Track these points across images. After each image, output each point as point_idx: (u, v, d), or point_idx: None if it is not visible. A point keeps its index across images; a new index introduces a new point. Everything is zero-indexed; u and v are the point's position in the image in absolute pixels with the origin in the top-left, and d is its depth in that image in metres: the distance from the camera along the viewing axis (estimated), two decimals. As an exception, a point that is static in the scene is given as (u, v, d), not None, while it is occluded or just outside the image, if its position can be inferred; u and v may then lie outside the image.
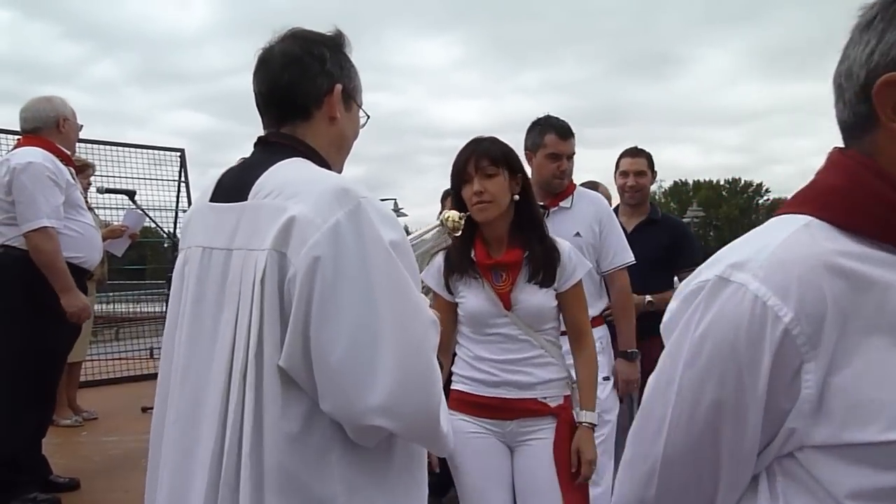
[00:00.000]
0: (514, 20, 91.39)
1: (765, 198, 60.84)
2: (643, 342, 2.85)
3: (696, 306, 0.79)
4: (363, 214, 1.11)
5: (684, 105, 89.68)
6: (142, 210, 4.79)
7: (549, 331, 2.09)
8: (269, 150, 1.27)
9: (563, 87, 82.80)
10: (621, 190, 3.35)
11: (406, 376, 1.09)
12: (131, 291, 9.65)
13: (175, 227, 6.55)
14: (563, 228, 2.67)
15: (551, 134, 2.79)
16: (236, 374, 1.13)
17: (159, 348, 6.67)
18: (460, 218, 1.85)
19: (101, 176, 5.93)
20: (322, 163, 1.26)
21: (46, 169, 3.07)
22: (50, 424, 3.52)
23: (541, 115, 2.87)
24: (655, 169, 3.42)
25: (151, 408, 4.56)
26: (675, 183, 61.00)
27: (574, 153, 2.85)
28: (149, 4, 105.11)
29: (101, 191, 4.88)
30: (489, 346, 2.07)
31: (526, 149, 2.84)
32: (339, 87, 1.30)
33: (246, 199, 1.19)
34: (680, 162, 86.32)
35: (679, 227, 3.47)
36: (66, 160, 3.27)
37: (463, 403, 2.10)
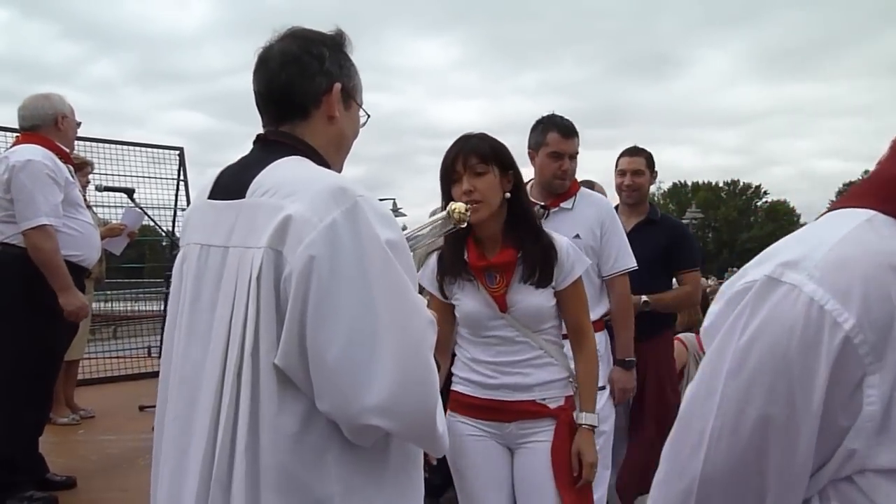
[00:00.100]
0: (512, 21, 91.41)
1: (763, 199, 60.96)
2: (640, 344, 2.83)
3: (741, 309, 0.70)
4: (360, 213, 1.11)
5: (683, 106, 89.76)
6: (140, 209, 4.79)
7: (548, 330, 2.05)
8: (267, 149, 1.28)
9: (561, 87, 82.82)
10: (619, 189, 3.32)
11: (404, 376, 1.09)
12: (129, 290, 9.64)
13: (174, 226, 6.55)
14: (563, 230, 2.59)
15: (554, 132, 2.75)
16: (230, 371, 1.13)
17: (157, 347, 6.67)
18: (467, 209, 1.78)
19: (100, 174, 5.93)
20: (321, 162, 1.26)
21: (45, 167, 3.07)
22: (47, 423, 3.52)
23: (545, 114, 2.83)
24: (656, 169, 3.38)
25: (149, 406, 4.56)
26: (674, 184, 61.10)
27: (577, 153, 2.79)
28: (147, 4, 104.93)
29: (99, 189, 4.88)
30: (486, 349, 2.04)
31: (529, 147, 2.81)
32: (337, 86, 1.30)
33: (244, 196, 1.19)
34: (679, 163, 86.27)
35: (678, 228, 3.44)
36: (65, 158, 3.26)
37: (462, 405, 2.09)
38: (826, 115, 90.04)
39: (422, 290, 2.07)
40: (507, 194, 2.00)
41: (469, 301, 2.04)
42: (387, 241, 1.12)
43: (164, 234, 5.51)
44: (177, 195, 6.91)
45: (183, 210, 6.66)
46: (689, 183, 62.13)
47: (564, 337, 2.11)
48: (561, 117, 2.80)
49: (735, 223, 58.26)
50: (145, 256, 13.30)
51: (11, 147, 3.33)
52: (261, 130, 1.34)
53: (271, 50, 1.31)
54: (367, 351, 1.08)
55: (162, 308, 7.21)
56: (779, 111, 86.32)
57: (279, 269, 1.10)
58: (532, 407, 2.01)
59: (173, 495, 1.20)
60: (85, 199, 3.80)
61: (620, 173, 3.32)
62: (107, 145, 6.44)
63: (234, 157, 1.34)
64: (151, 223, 5.10)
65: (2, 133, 5.51)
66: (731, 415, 0.70)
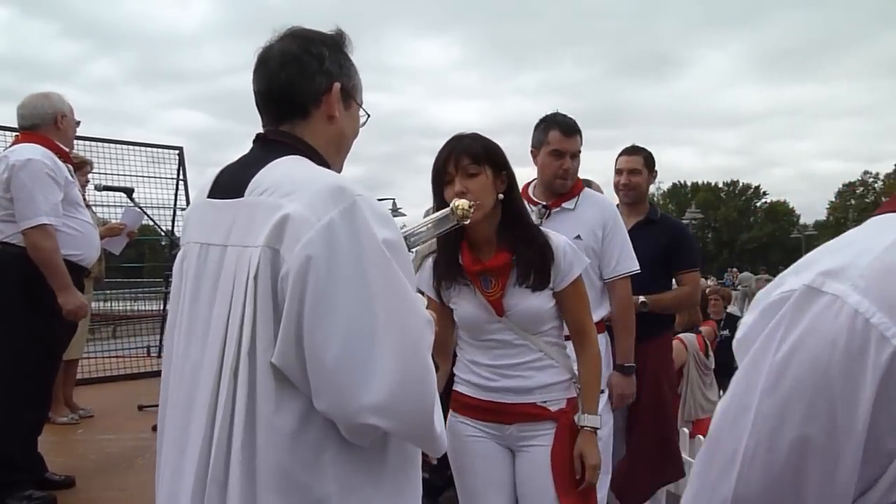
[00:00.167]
0: (512, 21, 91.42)
1: (762, 200, 60.96)
2: (638, 344, 2.79)
3: (778, 321, 0.65)
4: (358, 213, 1.11)
5: (683, 107, 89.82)
6: (140, 208, 4.79)
7: (548, 332, 2.01)
8: (267, 148, 1.28)
9: (561, 88, 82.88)
10: (616, 188, 3.29)
11: (403, 375, 1.09)
12: (129, 289, 9.63)
13: (173, 226, 6.55)
14: (564, 230, 2.54)
15: (555, 130, 2.71)
16: (227, 370, 1.13)
17: (156, 346, 6.65)
18: (470, 206, 1.75)
19: (100, 173, 5.92)
20: (321, 161, 1.26)
21: (45, 166, 3.06)
22: (46, 422, 3.51)
23: (548, 112, 2.79)
24: (656, 168, 3.35)
25: (148, 406, 4.55)
26: (674, 185, 61.11)
27: (579, 151, 2.75)
28: (148, 3, 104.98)
29: (99, 188, 4.88)
30: (486, 352, 2.02)
31: (532, 146, 2.78)
32: (337, 85, 1.30)
33: (242, 195, 1.19)
34: (678, 164, 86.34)
35: (677, 228, 3.41)
36: (65, 157, 3.26)
37: (463, 406, 2.08)
38: (826, 116, 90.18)
39: (421, 291, 2.06)
40: (501, 195, 1.95)
41: (466, 306, 2.02)
42: (384, 241, 1.12)
43: (163, 233, 5.50)
44: (176, 195, 6.91)
45: (182, 210, 6.66)
46: (689, 183, 62.21)
47: (568, 338, 2.08)
48: (563, 115, 2.76)
49: (735, 224, 58.28)
50: (145, 256, 13.30)
51: (11, 146, 3.32)
52: (261, 130, 1.34)
53: (271, 50, 1.31)
54: (364, 350, 1.08)
55: (161, 307, 7.22)
56: (778, 112, 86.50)
57: (276, 268, 1.10)
58: (532, 410, 1.99)
59: (172, 495, 1.20)
60: (84, 199, 3.80)
61: (618, 172, 3.30)
62: (106, 145, 6.43)
63: (234, 156, 1.34)
64: (151, 223, 5.09)
65: (1, 132, 5.51)
66: (766, 434, 0.65)
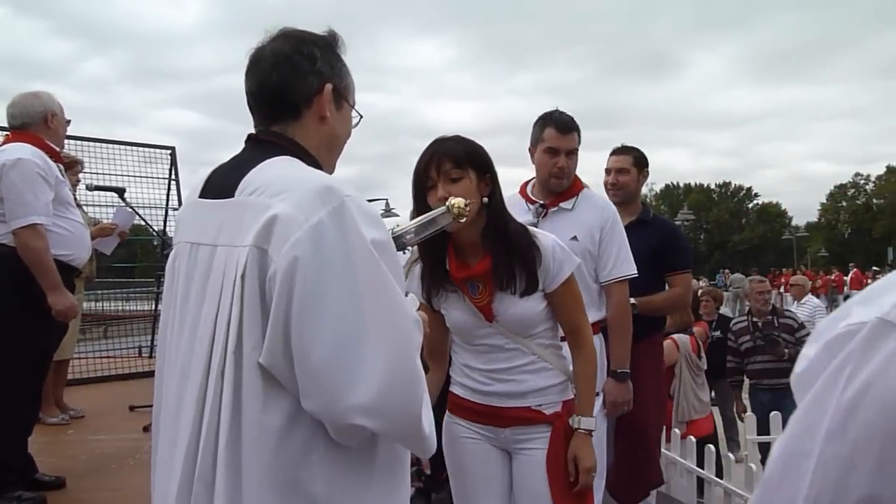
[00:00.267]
0: (507, 22, 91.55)
1: (754, 202, 61.23)
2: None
3: (845, 358, 0.58)
4: (346, 213, 1.11)
5: (676, 109, 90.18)
6: (131, 208, 4.76)
7: (541, 334, 1.98)
8: (258, 148, 1.28)
9: (556, 89, 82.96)
10: (605, 188, 3.28)
11: (391, 376, 1.09)
12: (120, 290, 9.59)
13: (165, 226, 6.52)
14: (560, 230, 2.53)
15: (550, 128, 2.67)
16: (214, 369, 1.13)
17: (148, 346, 6.61)
18: (466, 204, 1.72)
19: (91, 173, 5.89)
20: (312, 162, 1.26)
21: (36, 165, 3.04)
22: (36, 423, 3.49)
23: (547, 110, 2.74)
24: (647, 168, 3.33)
25: (140, 406, 4.52)
26: (667, 186, 61.31)
27: (575, 149, 2.70)
28: (141, 2, 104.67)
29: (90, 188, 4.85)
30: (478, 356, 2.00)
31: (530, 144, 2.76)
32: (329, 86, 1.30)
33: (233, 195, 1.19)
34: (671, 165, 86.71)
35: (669, 229, 3.39)
36: (55, 156, 3.24)
37: (458, 407, 2.07)
38: (818, 118, 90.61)
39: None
40: (486, 199, 1.89)
41: (455, 312, 1.99)
42: (372, 241, 1.12)
43: (155, 233, 5.48)
44: (168, 195, 6.88)
45: (175, 210, 6.63)
46: (682, 185, 62.42)
47: (564, 339, 2.06)
48: (561, 113, 2.72)
49: (727, 225, 58.52)
50: (137, 256, 13.22)
51: (1, 146, 3.30)
52: (253, 130, 1.34)
53: (263, 50, 1.31)
54: (352, 350, 1.08)
55: (153, 308, 7.19)
56: (771, 114, 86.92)
57: (264, 268, 1.11)
58: (527, 413, 1.97)
59: (162, 495, 1.20)
60: (75, 198, 3.78)
61: (606, 172, 3.30)
62: (98, 144, 6.40)
63: (227, 155, 1.35)
64: (143, 223, 5.07)
65: (-8, 131, 5.47)
66: (830, 485, 0.57)
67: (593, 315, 2.57)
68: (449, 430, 2.09)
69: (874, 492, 0.55)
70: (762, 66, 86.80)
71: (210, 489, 1.11)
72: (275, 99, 1.29)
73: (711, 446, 4.13)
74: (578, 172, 2.78)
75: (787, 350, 5.21)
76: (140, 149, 6.78)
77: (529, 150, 2.76)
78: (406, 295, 1.21)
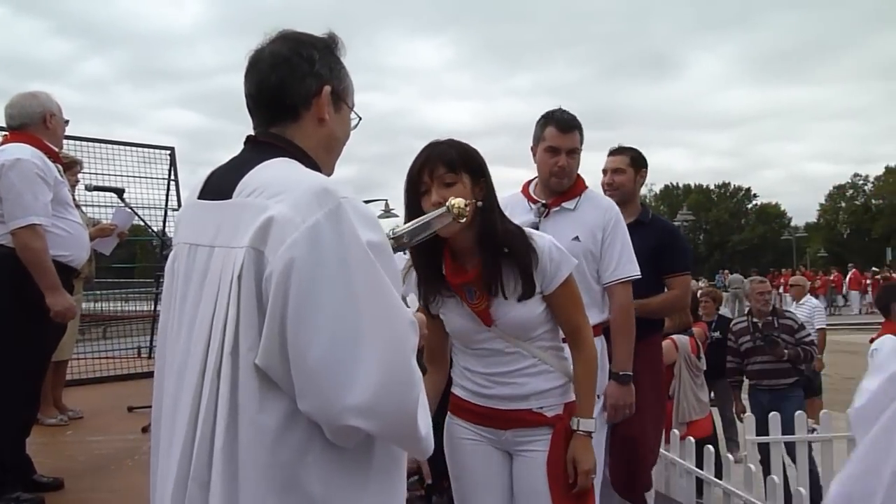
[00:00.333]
0: (506, 22, 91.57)
1: (753, 202, 61.29)
2: None
3: None
4: (343, 215, 1.11)
5: (676, 109, 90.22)
6: (130, 208, 4.76)
7: (541, 337, 1.97)
8: (256, 150, 1.29)
9: (555, 89, 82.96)
10: (602, 188, 3.26)
11: (387, 377, 1.09)
12: (120, 290, 9.58)
13: (164, 226, 6.52)
14: (561, 231, 2.53)
15: (551, 126, 2.64)
16: (210, 370, 1.14)
17: (147, 347, 6.59)
18: (466, 204, 1.70)
19: (90, 173, 5.89)
20: (310, 163, 1.27)
21: (35, 166, 3.04)
22: (35, 423, 3.49)
23: (550, 109, 2.70)
24: (645, 168, 3.31)
25: (138, 407, 4.51)
26: (666, 186, 61.39)
27: (576, 149, 2.66)
28: (141, 2, 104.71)
29: (89, 188, 4.85)
30: (478, 360, 1.99)
31: (532, 143, 2.73)
32: (327, 88, 1.31)
33: (231, 197, 1.20)
34: (671, 165, 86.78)
35: (668, 230, 3.36)
36: (54, 157, 3.23)
37: (460, 409, 2.07)
38: (817, 119, 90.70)
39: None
40: (480, 203, 1.86)
41: (453, 317, 1.98)
42: (368, 243, 1.12)
43: (154, 234, 5.47)
44: (167, 195, 6.88)
45: (174, 210, 6.63)
46: (681, 185, 62.49)
47: (565, 340, 2.04)
48: (562, 111, 2.69)
49: (726, 225, 58.58)
50: (136, 256, 13.22)
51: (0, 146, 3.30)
52: (253, 131, 1.34)
53: (262, 52, 1.32)
54: (348, 351, 1.08)
55: (152, 308, 7.18)
56: (770, 114, 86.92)
57: (260, 269, 1.11)
58: (528, 416, 1.96)
59: (161, 496, 1.21)
60: (74, 199, 3.77)
61: (603, 172, 3.29)
62: (97, 144, 6.39)
63: (227, 155, 1.35)
64: (142, 223, 5.06)
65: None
66: None
67: (595, 317, 2.55)
68: (450, 431, 2.09)
69: None
70: (761, 66, 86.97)
71: (205, 489, 1.11)
72: (273, 101, 1.29)
73: (710, 447, 4.13)
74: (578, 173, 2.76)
75: (786, 351, 5.21)
76: (139, 149, 6.78)
77: (532, 148, 2.74)
78: (405, 297, 1.21)
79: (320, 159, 1.31)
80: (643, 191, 3.59)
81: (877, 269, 26.62)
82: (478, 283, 1.91)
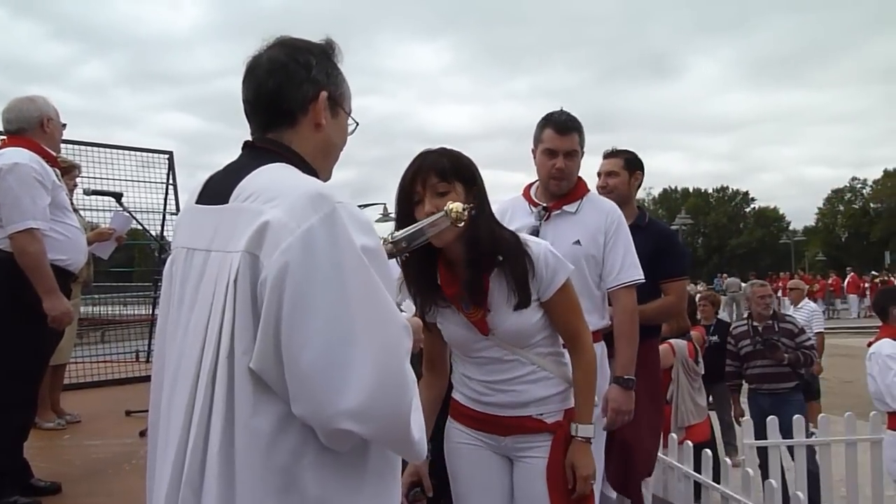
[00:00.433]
0: (504, 26, 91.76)
1: (751, 206, 61.36)
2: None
3: None
4: (337, 219, 1.12)
5: (674, 113, 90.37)
6: (129, 212, 4.76)
7: (539, 343, 1.95)
8: (253, 155, 1.30)
9: (553, 93, 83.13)
10: (597, 192, 3.22)
11: (380, 381, 1.10)
12: (118, 294, 9.57)
13: (163, 230, 6.51)
14: (562, 234, 2.52)
15: (549, 128, 2.60)
16: (204, 374, 1.14)
17: (146, 351, 6.57)
18: (464, 209, 1.69)
19: (88, 178, 5.88)
20: (308, 169, 1.28)
21: (33, 170, 3.04)
22: (32, 427, 3.48)
23: (551, 110, 2.66)
24: (640, 171, 3.29)
25: (136, 411, 4.49)
26: (665, 190, 61.47)
27: (574, 151, 2.62)
28: (139, 5, 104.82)
29: (87, 192, 4.84)
30: (478, 367, 1.98)
31: (532, 146, 2.71)
32: (324, 93, 1.32)
33: (227, 201, 1.21)
34: (669, 169, 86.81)
35: (664, 234, 3.33)
36: (52, 161, 3.24)
37: (460, 414, 2.07)
38: (815, 122, 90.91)
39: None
40: (474, 212, 1.81)
41: (450, 326, 1.96)
42: (363, 248, 1.13)
43: (152, 238, 5.47)
44: (166, 199, 6.87)
45: (172, 214, 6.63)
46: (679, 189, 62.57)
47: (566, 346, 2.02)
48: (561, 113, 2.65)
49: (724, 229, 58.64)
50: (134, 260, 13.21)
51: (-3, 150, 3.29)
52: (250, 136, 1.35)
53: (259, 58, 1.33)
54: (341, 355, 1.08)
55: (151, 312, 7.16)
56: (768, 118, 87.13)
57: (256, 274, 1.12)
58: (528, 422, 1.95)
59: (155, 499, 1.21)
60: (72, 203, 3.77)
61: (597, 175, 3.28)
62: (95, 149, 6.39)
63: (225, 159, 1.37)
64: (140, 227, 5.06)
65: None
66: None
67: (596, 322, 2.52)
68: (450, 435, 2.09)
69: None
70: (759, 69, 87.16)
71: (197, 494, 1.12)
72: (270, 106, 1.30)
73: (708, 450, 4.13)
74: None
75: (787, 355, 5.21)
76: (137, 153, 6.77)
77: (532, 151, 2.72)
78: (399, 304, 1.21)
79: (317, 164, 1.32)
80: (641, 194, 3.59)
81: (875, 273, 26.66)
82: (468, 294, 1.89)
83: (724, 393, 6.02)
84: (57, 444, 4.30)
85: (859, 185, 57.14)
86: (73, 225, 3.30)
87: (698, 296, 6.97)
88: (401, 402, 1.13)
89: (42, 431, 4.35)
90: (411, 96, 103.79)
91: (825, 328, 7.59)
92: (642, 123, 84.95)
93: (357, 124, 1.43)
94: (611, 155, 3.31)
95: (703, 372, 5.20)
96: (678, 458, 4.29)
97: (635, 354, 2.59)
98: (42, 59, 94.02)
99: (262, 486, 1.11)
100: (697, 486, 4.13)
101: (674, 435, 4.55)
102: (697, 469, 4.09)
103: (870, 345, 4.05)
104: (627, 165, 3.25)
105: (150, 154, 6.93)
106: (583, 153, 2.70)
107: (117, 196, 4.61)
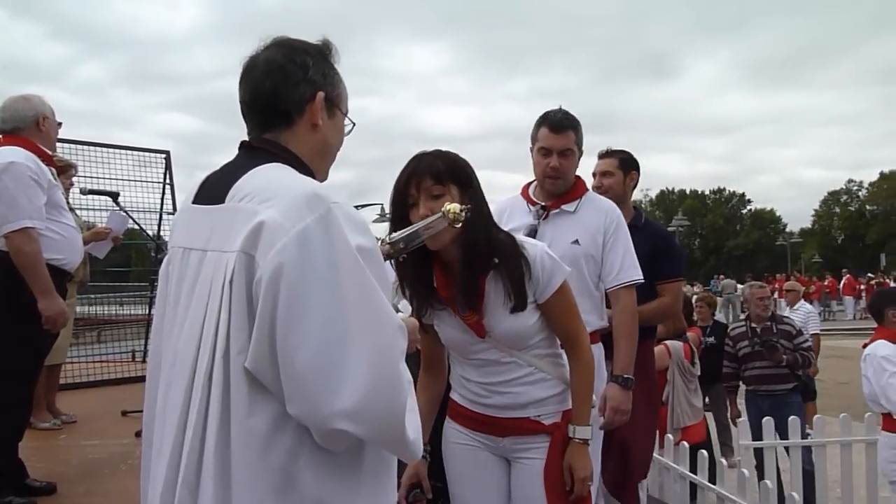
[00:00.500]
0: (503, 27, 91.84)
1: (748, 208, 61.48)
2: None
3: None
4: (333, 220, 1.12)
5: (672, 114, 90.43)
6: (125, 212, 4.75)
7: (537, 345, 1.94)
8: (250, 155, 1.30)
9: (551, 94, 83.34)
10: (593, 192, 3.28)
11: (375, 381, 1.10)
12: (114, 294, 9.55)
13: (159, 230, 6.50)
14: (561, 234, 2.51)
15: (544, 127, 2.59)
16: (200, 374, 1.14)
17: (142, 351, 6.56)
18: (462, 210, 1.69)
19: (85, 177, 5.88)
20: (304, 169, 1.28)
21: (28, 169, 3.03)
22: (27, 427, 3.47)
23: (549, 109, 2.64)
24: (636, 171, 3.28)
25: (132, 411, 4.49)
26: (662, 191, 61.57)
27: (570, 149, 2.59)
28: (137, 6, 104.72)
29: (84, 192, 4.83)
30: (475, 369, 1.98)
31: (530, 145, 2.70)
32: (321, 94, 1.32)
33: (224, 202, 1.21)
34: (666, 170, 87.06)
35: (661, 235, 3.32)
36: (47, 160, 3.23)
37: (458, 415, 2.07)
38: (812, 125, 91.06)
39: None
40: (470, 213, 1.79)
41: (447, 329, 1.96)
42: (358, 248, 1.13)
43: (149, 237, 5.46)
44: (163, 199, 6.86)
45: (169, 214, 6.62)
46: (676, 190, 62.67)
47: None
48: (557, 111, 2.63)
49: (721, 230, 58.76)
50: (131, 260, 13.20)
51: (-7, 149, 3.28)
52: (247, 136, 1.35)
53: (256, 59, 1.33)
54: (336, 355, 1.09)
55: (147, 312, 7.15)
56: (766, 120, 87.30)
57: (251, 274, 1.12)
58: (526, 424, 1.95)
59: (150, 499, 1.21)
60: (68, 202, 3.76)
61: (592, 176, 3.27)
62: (92, 148, 6.38)
63: (223, 160, 1.37)
64: (137, 227, 5.05)
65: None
66: None
67: (595, 322, 2.51)
68: (448, 436, 2.09)
69: None
70: (757, 71, 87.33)
71: (194, 494, 1.12)
72: (267, 107, 1.31)
73: (704, 451, 4.13)
74: None
75: (785, 356, 5.22)
76: (134, 153, 6.76)
77: (530, 150, 2.70)
78: (395, 305, 1.21)
79: (314, 165, 1.33)
80: (638, 196, 3.59)
81: (871, 275, 26.73)
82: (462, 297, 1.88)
83: (720, 394, 6.03)
84: (53, 444, 4.29)
85: (856, 188, 57.37)
86: (70, 224, 3.29)
87: (695, 297, 6.98)
88: (395, 402, 1.13)
89: (38, 431, 4.34)
90: (410, 97, 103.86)
91: (821, 330, 7.61)
92: (640, 125, 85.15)
93: (354, 125, 1.43)
94: (605, 155, 3.31)
95: (699, 373, 5.20)
96: (674, 458, 4.30)
97: (635, 354, 2.58)
98: (40, 60, 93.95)
99: (259, 486, 1.11)
100: (693, 487, 4.14)
101: (670, 436, 4.56)
102: (693, 470, 4.10)
103: (865, 346, 4.06)
104: (622, 165, 3.24)
105: (147, 153, 6.92)
106: (581, 152, 2.69)
107: (114, 195, 4.60)
